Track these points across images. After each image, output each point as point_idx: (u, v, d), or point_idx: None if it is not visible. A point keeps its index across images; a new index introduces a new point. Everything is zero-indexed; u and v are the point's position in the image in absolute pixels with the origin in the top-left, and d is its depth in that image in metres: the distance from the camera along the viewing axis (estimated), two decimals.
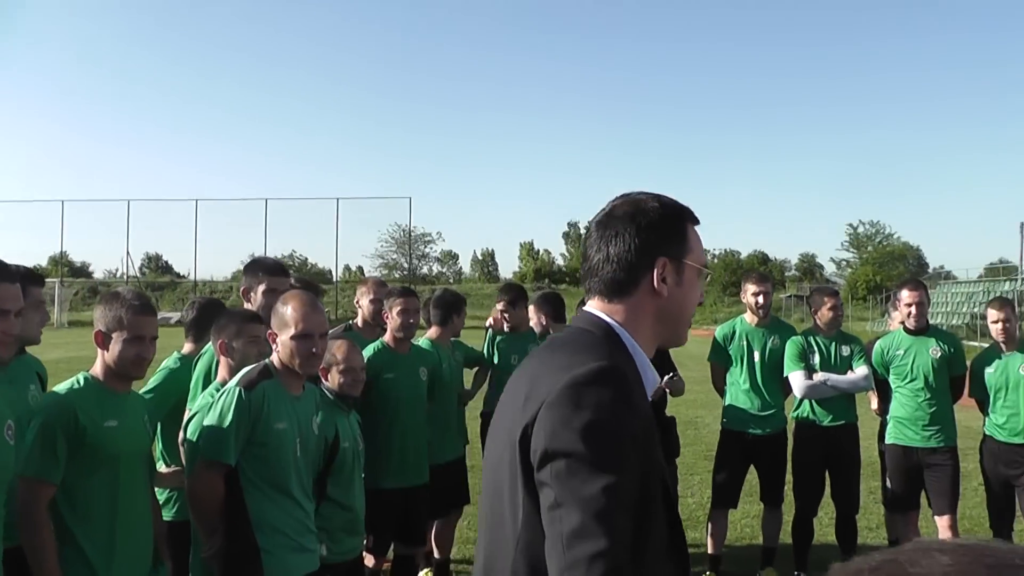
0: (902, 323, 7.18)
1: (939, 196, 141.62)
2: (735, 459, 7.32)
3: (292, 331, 4.14)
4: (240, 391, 4.03)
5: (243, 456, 4.01)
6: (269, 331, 4.29)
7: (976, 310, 42.30)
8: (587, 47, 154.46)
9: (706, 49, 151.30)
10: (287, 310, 4.19)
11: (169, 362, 5.33)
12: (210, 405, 4.10)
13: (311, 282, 6.67)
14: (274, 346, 4.25)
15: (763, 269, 59.64)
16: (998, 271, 61.59)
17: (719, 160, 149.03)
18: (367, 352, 5.99)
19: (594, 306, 2.11)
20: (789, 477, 7.32)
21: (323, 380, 5.18)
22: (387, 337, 6.35)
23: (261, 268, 5.45)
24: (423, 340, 6.85)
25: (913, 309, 7.01)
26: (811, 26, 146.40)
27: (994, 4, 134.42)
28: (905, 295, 7.10)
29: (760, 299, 7.33)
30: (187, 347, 5.51)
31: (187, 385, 4.98)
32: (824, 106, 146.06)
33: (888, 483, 7.20)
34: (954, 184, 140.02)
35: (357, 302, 7.01)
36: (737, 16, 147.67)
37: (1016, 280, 49.81)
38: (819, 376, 7.06)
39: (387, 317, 6.33)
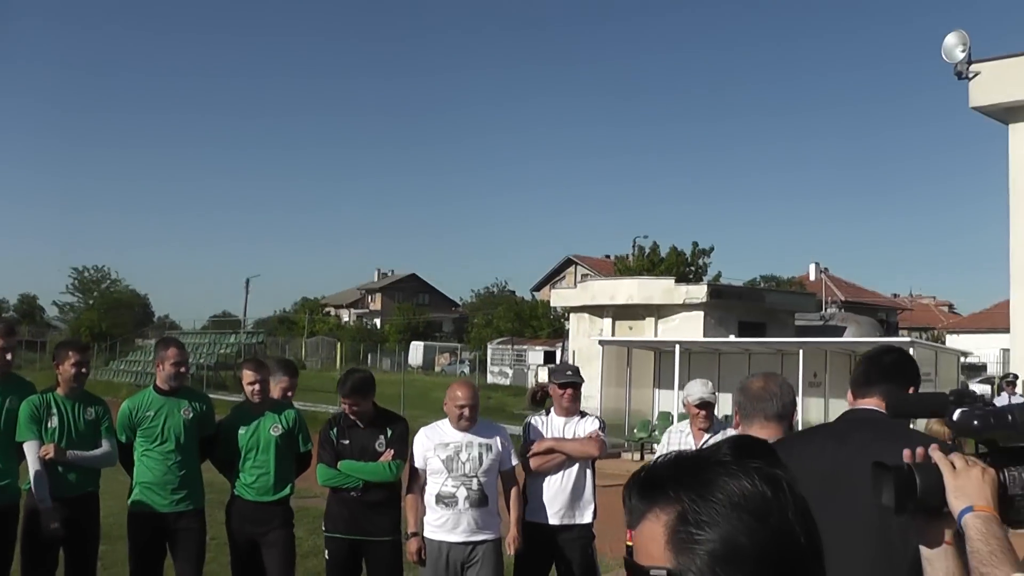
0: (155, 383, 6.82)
1: (168, 246, 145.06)
2: None
3: None
4: None
5: None
6: None
7: (202, 360, 43.16)
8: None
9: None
10: None
11: None
12: None
13: None
14: None
15: None
16: (224, 323, 64.29)
17: None
18: None
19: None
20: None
21: None
22: None
23: None
24: None
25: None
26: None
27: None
28: (171, 355, 6.72)
29: (9, 355, 6.50)
30: None
31: None
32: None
33: (132, 551, 6.69)
34: (184, 236, 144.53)
35: None
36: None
37: (240, 333, 52.36)
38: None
39: None
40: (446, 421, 6.39)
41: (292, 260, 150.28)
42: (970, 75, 18.36)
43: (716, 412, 6.84)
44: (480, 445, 6.28)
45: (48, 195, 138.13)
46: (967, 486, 1.96)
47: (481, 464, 6.23)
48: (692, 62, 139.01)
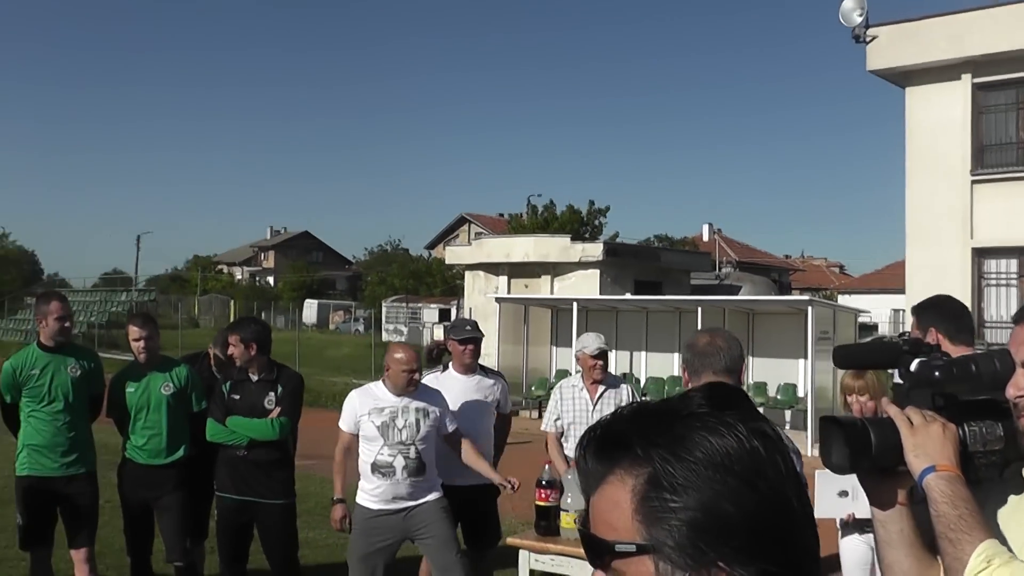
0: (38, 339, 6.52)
1: (57, 202, 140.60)
2: None
3: None
4: None
5: None
6: None
7: (94, 319, 42.27)
8: None
9: None
10: None
11: None
12: None
13: None
14: None
15: None
16: (115, 281, 62.71)
17: None
18: None
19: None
20: None
21: None
22: None
23: None
24: None
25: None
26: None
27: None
28: (54, 309, 6.33)
29: None
30: None
31: None
32: None
33: (21, 519, 6.42)
34: (74, 192, 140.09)
35: None
36: None
37: (131, 291, 51.25)
38: None
39: None
40: (379, 384, 6.06)
41: (184, 217, 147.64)
42: (867, 39, 18.63)
43: (611, 368, 6.92)
44: (417, 410, 5.92)
45: None
46: (927, 444, 1.77)
47: (418, 431, 5.89)
48: (589, 29, 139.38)
